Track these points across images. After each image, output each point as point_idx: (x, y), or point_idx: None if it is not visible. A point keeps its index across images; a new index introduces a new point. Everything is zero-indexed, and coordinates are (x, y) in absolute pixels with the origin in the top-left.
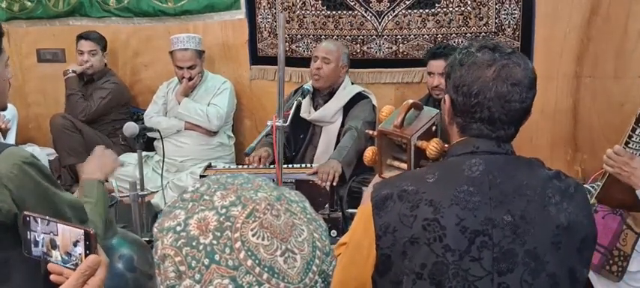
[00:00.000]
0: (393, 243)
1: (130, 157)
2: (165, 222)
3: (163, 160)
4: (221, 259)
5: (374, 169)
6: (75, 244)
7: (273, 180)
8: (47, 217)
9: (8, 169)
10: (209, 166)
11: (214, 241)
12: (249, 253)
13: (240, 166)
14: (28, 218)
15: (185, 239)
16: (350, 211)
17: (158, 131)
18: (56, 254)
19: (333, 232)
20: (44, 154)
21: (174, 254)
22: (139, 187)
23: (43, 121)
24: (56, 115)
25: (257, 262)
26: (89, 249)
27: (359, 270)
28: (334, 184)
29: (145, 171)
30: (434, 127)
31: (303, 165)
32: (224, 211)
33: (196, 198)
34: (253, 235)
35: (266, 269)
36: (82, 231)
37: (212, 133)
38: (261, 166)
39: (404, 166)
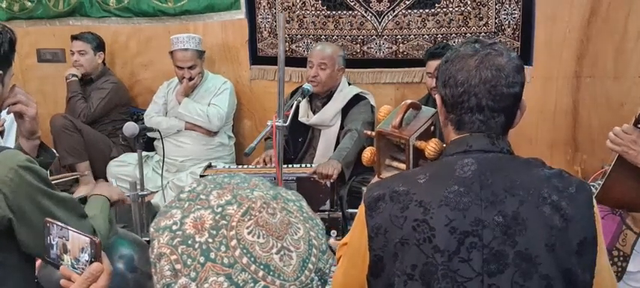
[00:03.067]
0: (384, 244)
1: (130, 157)
2: (162, 221)
3: (163, 160)
4: (216, 257)
5: (374, 169)
6: (82, 251)
7: (273, 179)
8: (61, 224)
9: (4, 173)
10: (209, 166)
11: (210, 240)
12: (245, 250)
13: (240, 166)
14: (48, 224)
15: (181, 238)
16: (350, 211)
17: (158, 131)
18: (67, 258)
19: (333, 232)
20: None
21: (169, 253)
22: (139, 187)
23: (43, 121)
24: (56, 115)
25: (252, 259)
26: (94, 257)
27: (358, 271)
28: (332, 180)
29: (145, 171)
30: (432, 127)
31: (303, 165)
32: (220, 209)
33: (193, 197)
34: (249, 233)
35: (261, 267)
36: (89, 239)
37: (212, 133)
38: (269, 165)
39: (402, 166)
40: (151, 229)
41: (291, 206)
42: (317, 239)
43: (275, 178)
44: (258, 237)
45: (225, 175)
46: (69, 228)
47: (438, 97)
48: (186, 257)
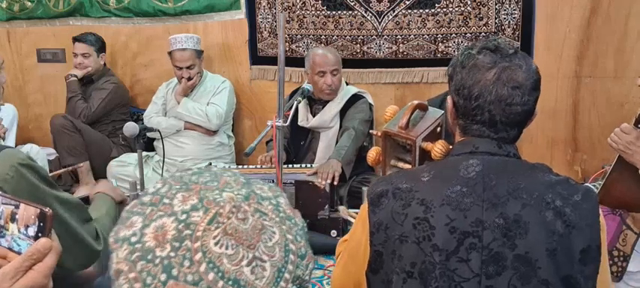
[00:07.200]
0: (385, 240)
1: (130, 157)
2: (121, 231)
3: (163, 160)
4: (179, 274)
5: (374, 170)
6: (31, 223)
7: (273, 180)
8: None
9: (4, 171)
10: (209, 166)
11: (172, 254)
12: (211, 265)
13: (240, 167)
14: None
15: (140, 252)
16: (350, 210)
17: (158, 131)
18: (13, 228)
19: (333, 232)
20: (44, 154)
21: (128, 270)
22: (139, 187)
23: (43, 121)
24: (56, 115)
25: (220, 275)
26: (42, 231)
27: (357, 267)
28: (335, 183)
29: (145, 171)
30: (439, 128)
31: (303, 165)
32: (184, 217)
33: (156, 201)
34: (216, 244)
35: (230, 282)
36: (38, 210)
37: (212, 133)
38: (268, 165)
39: (408, 166)
40: (111, 240)
41: (266, 206)
42: (295, 242)
43: (274, 180)
44: (227, 248)
45: (195, 171)
46: (19, 199)
47: (449, 99)
48: (146, 275)
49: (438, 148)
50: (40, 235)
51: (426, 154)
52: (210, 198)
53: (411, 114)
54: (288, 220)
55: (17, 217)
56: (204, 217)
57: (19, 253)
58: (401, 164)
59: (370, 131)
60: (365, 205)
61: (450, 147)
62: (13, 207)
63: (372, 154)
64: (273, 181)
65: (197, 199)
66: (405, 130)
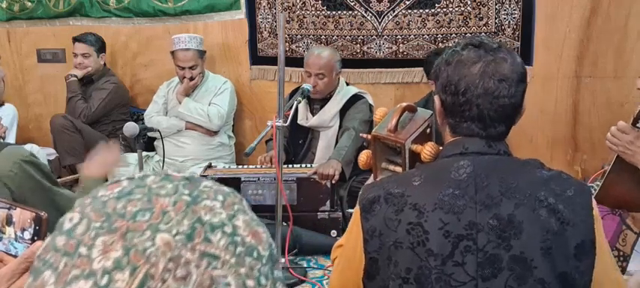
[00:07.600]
0: (379, 247)
1: (130, 157)
2: None
3: (163, 160)
4: None
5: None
6: (28, 227)
7: (273, 180)
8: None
9: (8, 167)
10: (209, 166)
11: None
12: None
13: (240, 167)
14: None
15: None
16: (350, 211)
17: (158, 131)
18: (10, 231)
19: (333, 232)
20: (44, 154)
21: None
22: None
23: (43, 121)
24: (56, 115)
25: None
26: (38, 235)
27: (354, 272)
28: (334, 182)
29: (146, 171)
30: (428, 130)
31: (303, 165)
32: (105, 281)
33: (71, 249)
34: None
35: None
36: (34, 214)
37: (212, 133)
38: (268, 165)
39: (399, 169)
40: None
41: (217, 242)
42: None
43: (275, 179)
44: None
45: (123, 191)
46: (15, 204)
47: (436, 99)
48: None
49: (427, 150)
50: (36, 238)
51: (416, 156)
52: (138, 247)
53: (400, 116)
54: (248, 256)
55: (14, 220)
56: (132, 282)
57: (15, 256)
58: (392, 167)
59: (361, 135)
60: (357, 211)
61: (440, 148)
62: (9, 210)
63: (363, 157)
64: (273, 179)
65: (122, 249)
66: (394, 133)
